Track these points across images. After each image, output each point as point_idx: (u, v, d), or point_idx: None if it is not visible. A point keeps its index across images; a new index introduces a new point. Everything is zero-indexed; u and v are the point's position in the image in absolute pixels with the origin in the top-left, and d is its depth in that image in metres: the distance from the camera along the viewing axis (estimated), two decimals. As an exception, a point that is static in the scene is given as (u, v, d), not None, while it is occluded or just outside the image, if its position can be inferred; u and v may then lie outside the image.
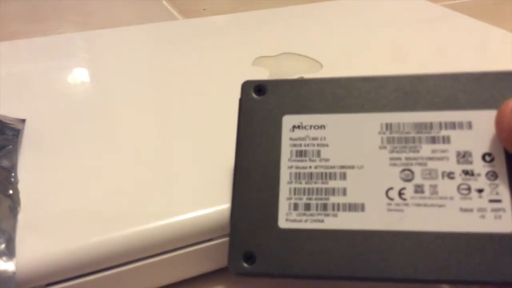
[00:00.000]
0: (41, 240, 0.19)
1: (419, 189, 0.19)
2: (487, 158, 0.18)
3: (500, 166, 0.18)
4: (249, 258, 0.19)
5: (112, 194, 0.22)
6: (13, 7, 0.50)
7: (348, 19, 0.41)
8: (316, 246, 0.19)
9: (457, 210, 0.18)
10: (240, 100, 0.21)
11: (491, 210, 0.18)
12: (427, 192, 0.18)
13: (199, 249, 0.22)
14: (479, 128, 0.19)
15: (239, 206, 0.20)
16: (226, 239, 0.21)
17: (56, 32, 0.44)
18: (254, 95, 0.21)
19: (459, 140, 0.19)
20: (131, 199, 0.21)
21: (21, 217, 0.20)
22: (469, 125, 0.19)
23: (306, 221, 0.19)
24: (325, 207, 0.19)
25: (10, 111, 0.28)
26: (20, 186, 0.22)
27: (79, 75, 0.33)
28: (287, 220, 0.19)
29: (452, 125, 0.19)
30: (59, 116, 0.27)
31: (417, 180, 0.19)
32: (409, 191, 0.19)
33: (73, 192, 0.22)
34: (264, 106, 0.21)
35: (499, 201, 0.18)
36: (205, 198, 0.21)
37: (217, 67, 0.33)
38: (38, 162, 0.24)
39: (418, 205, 0.18)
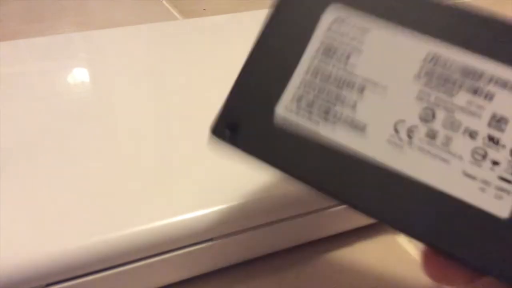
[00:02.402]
0: (40, 239, 0.20)
1: (431, 133, 0.17)
2: None
3: None
4: (234, 128, 0.18)
5: (111, 194, 0.22)
6: (13, 7, 0.50)
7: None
8: (300, 145, 0.18)
9: (460, 172, 0.16)
10: None
11: (495, 187, 0.16)
12: (438, 141, 0.17)
13: (199, 248, 0.22)
14: None
15: (245, 78, 0.19)
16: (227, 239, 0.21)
17: (56, 32, 0.44)
18: None
19: (503, 103, 0.16)
20: (131, 199, 0.21)
21: (22, 217, 0.20)
22: None
23: (302, 116, 0.18)
24: (327, 111, 0.18)
25: (10, 111, 0.28)
26: (20, 185, 0.22)
27: (79, 75, 0.33)
28: (286, 108, 0.18)
29: (504, 84, 0.17)
30: (59, 116, 0.27)
31: (435, 124, 0.17)
32: (420, 132, 0.17)
33: (73, 191, 0.22)
34: None
35: (509, 181, 0.16)
36: (205, 198, 0.21)
37: (217, 67, 0.33)
38: (38, 161, 0.24)
39: (422, 149, 0.17)
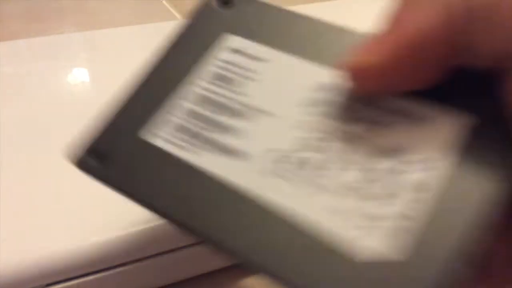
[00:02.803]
0: (40, 240, 0.20)
1: (319, 163, 0.15)
2: (422, 165, 0.14)
3: (433, 178, 0.14)
4: (98, 156, 0.17)
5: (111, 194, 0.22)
6: (13, 7, 0.50)
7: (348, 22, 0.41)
8: (162, 175, 0.16)
9: (353, 205, 0.14)
10: (198, 4, 0.19)
11: (390, 225, 0.14)
12: (330, 172, 0.15)
13: (199, 249, 0.22)
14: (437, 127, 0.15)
15: (120, 104, 0.18)
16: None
17: (56, 32, 0.44)
18: (215, 4, 0.19)
19: (401, 131, 0.15)
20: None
21: (22, 216, 0.20)
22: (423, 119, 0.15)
23: (172, 144, 0.17)
24: (200, 138, 0.17)
25: (10, 110, 0.28)
26: (21, 184, 0.22)
27: (79, 75, 0.33)
28: (152, 133, 0.17)
29: (402, 114, 0.15)
30: (59, 116, 0.27)
31: (327, 154, 0.15)
32: (311, 161, 0.16)
33: (73, 192, 0.22)
34: (218, 19, 0.19)
35: (408, 218, 0.14)
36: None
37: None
38: (39, 160, 0.24)
39: (305, 180, 0.15)
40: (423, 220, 0.14)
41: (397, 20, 0.14)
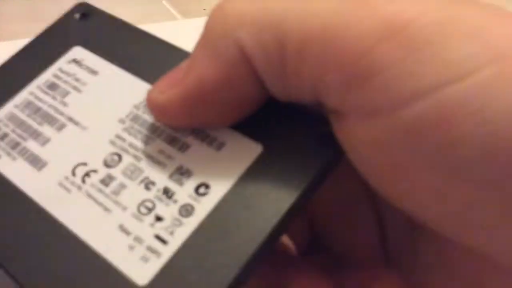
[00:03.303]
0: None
1: (107, 180, 0.15)
2: (201, 189, 0.14)
3: (206, 205, 0.14)
4: None
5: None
6: (13, 7, 0.50)
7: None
8: None
9: (117, 224, 0.14)
10: (62, 15, 0.20)
11: (146, 246, 0.14)
12: (110, 188, 0.15)
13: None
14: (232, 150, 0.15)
15: None
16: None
17: (56, 32, 0.44)
18: (76, 16, 0.20)
19: (194, 154, 0.15)
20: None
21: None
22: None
23: None
24: (15, 146, 0.16)
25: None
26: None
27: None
28: None
29: (202, 137, 0.16)
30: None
31: (116, 171, 0.15)
32: (96, 177, 0.15)
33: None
34: (75, 31, 0.19)
35: (164, 242, 0.14)
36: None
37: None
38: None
39: (89, 196, 0.15)
40: (178, 245, 0.14)
41: (188, 66, 0.14)
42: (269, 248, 0.13)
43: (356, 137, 0.12)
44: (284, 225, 0.13)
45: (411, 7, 0.11)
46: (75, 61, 0.18)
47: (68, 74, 0.18)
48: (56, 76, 0.18)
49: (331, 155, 0.14)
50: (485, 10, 0.11)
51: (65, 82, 0.18)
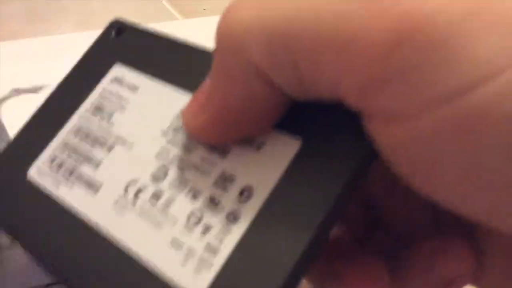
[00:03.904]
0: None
1: (156, 194, 0.15)
2: (245, 193, 0.14)
3: (251, 208, 0.14)
4: None
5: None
6: (13, 7, 0.50)
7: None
8: (37, 214, 0.16)
9: (169, 239, 0.14)
10: (99, 35, 0.20)
11: (199, 258, 0.14)
12: (160, 202, 0.15)
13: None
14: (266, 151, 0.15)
15: (15, 137, 0.18)
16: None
17: (56, 32, 0.44)
18: (112, 34, 0.20)
19: (236, 158, 0.15)
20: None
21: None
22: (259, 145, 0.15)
23: (51, 178, 0.17)
24: (71, 172, 0.17)
25: (11, 110, 0.28)
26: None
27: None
28: (39, 173, 0.17)
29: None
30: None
31: (163, 184, 0.15)
32: (147, 193, 0.15)
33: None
34: (113, 48, 0.19)
35: (215, 251, 0.14)
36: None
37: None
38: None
39: (142, 212, 0.15)
40: (228, 252, 0.13)
41: (209, 91, 0.14)
42: (320, 244, 0.13)
43: (380, 137, 0.12)
44: (331, 218, 0.13)
45: (426, 2, 0.10)
46: (116, 79, 0.18)
47: (111, 93, 0.18)
48: (101, 96, 0.18)
49: (369, 144, 0.13)
50: None
51: (110, 101, 0.18)
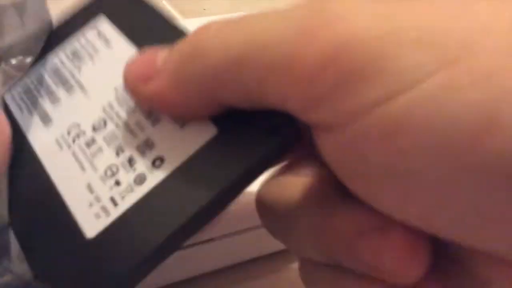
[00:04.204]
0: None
1: (90, 142, 0.17)
2: (157, 162, 0.16)
3: (157, 176, 0.16)
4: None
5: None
6: (13, 6, 0.49)
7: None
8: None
9: (86, 182, 0.16)
10: None
11: (101, 206, 0.16)
12: (91, 150, 0.17)
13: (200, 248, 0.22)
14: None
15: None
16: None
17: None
18: None
19: (164, 129, 0.17)
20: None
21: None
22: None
23: (15, 106, 0.20)
24: (33, 102, 0.19)
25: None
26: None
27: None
28: (12, 98, 0.20)
29: None
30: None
31: (99, 135, 0.17)
32: (83, 138, 0.18)
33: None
34: (102, 2, 0.21)
35: (116, 204, 0.16)
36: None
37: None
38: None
39: (74, 154, 0.17)
40: (125, 208, 0.15)
41: (161, 72, 0.16)
42: (209, 216, 0.15)
43: (321, 146, 0.13)
44: (219, 203, 0.15)
45: (350, 25, 0.11)
46: (96, 28, 0.20)
47: (88, 41, 0.20)
48: (80, 42, 0.20)
49: (275, 144, 0.15)
50: (434, 5, 0.11)
51: (85, 49, 0.20)
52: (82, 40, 0.20)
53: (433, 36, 0.11)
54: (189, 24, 0.42)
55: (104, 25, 0.20)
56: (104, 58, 0.19)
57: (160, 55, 0.16)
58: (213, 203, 0.15)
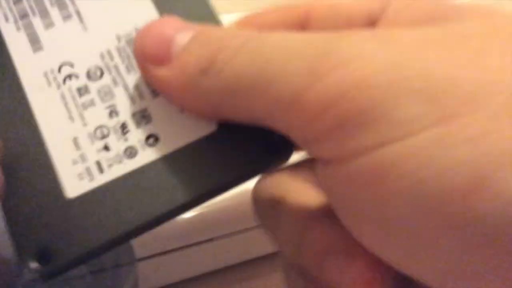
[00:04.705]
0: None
1: (83, 90, 0.16)
2: (151, 140, 0.15)
3: (147, 156, 0.15)
4: (43, 256, 0.15)
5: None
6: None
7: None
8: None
9: (73, 135, 0.15)
10: None
11: (86, 167, 0.15)
12: (81, 100, 0.16)
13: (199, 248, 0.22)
14: None
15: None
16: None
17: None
18: None
19: (163, 103, 0.16)
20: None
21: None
22: None
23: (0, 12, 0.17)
24: (23, 16, 0.17)
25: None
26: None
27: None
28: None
29: None
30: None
31: (93, 85, 0.16)
32: (75, 83, 0.16)
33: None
34: None
35: (102, 171, 0.15)
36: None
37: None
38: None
39: (63, 98, 0.16)
40: (110, 178, 0.15)
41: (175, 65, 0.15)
42: (180, 212, 0.15)
43: (320, 177, 0.14)
44: (199, 201, 0.15)
45: (356, 72, 0.12)
46: None
47: None
48: None
49: (269, 160, 0.15)
50: (438, 58, 0.11)
51: None
52: None
53: (436, 88, 0.11)
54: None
55: None
56: None
57: (179, 38, 0.15)
58: (194, 201, 0.15)
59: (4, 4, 0.17)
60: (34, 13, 0.17)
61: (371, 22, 0.15)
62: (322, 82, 0.12)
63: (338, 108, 0.12)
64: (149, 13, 0.17)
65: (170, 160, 0.15)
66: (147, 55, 0.15)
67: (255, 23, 0.18)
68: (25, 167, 0.15)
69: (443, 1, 0.14)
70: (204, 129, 0.15)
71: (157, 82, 0.15)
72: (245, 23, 0.18)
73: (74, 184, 0.15)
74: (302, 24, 0.17)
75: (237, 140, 0.15)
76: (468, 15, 0.13)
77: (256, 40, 0.14)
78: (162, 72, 0.15)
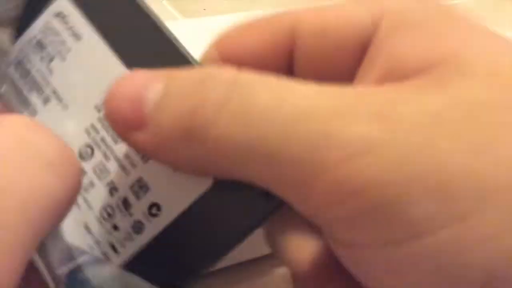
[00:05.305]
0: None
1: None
2: (154, 210, 0.15)
3: (155, 227, 0.15)
4: None
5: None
6: (13, 6, 0.50)
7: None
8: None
9: (83, 222, 0.15)
10: None
11: (102, 252, 0.15)
12: (83, 183, 0.15)
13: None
14: None
15: None
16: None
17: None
18: None
19: (155, 167, 0.15)
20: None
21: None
22: None
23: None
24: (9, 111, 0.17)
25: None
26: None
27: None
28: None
29: None
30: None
31: (87, 165, 0.16)
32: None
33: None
34: None
35: (116, 251, 0.15)
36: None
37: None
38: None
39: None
40: (126, 257, 0.15)
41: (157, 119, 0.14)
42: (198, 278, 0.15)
43: (341, 256, 0.13)
44: (205, 269, 0.15)
45: (370, 167, 0.11)
46: (60, 15, 0.17)
47: (53, 30, 0.17)
48: (44, 31, 0.17)
49: (267, 210, 0.14)
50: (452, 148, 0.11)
51: (52, 41, 0.16)
52: (47, 29, 0.17)
53: (450, 185, 0.11)
54: (189, 24, 0.42)
55: (67, 9, 0.17)
56: (77, 59, 0.16)
57: (150, 94, 0.13)
58: (207, 269, 0.15)
59: None
60: (18, 105, 0.16)
61: (362, 41, 0.14)
62: (332, 173, 0.12)
63: (350, 201, 0.12)
64: (118, 71, 0.16)
65: (176, 227, 0.15)
66: (119, 121, 0.13)
67: (235, 45, 0.16)
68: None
69: (432, 6, 0.14)
70: (201, 186, 0.14)
71: (138, 147, 0.14)
72: (224, 47, 0.16)
73: (96, 270, 0.15)
74: (289, 42, 0.15)
75: (235, 190, 0.14)
76: (469, 72, 0.12)
77: (240, 90, 0.12)
78: (140, 137, 0.13)
